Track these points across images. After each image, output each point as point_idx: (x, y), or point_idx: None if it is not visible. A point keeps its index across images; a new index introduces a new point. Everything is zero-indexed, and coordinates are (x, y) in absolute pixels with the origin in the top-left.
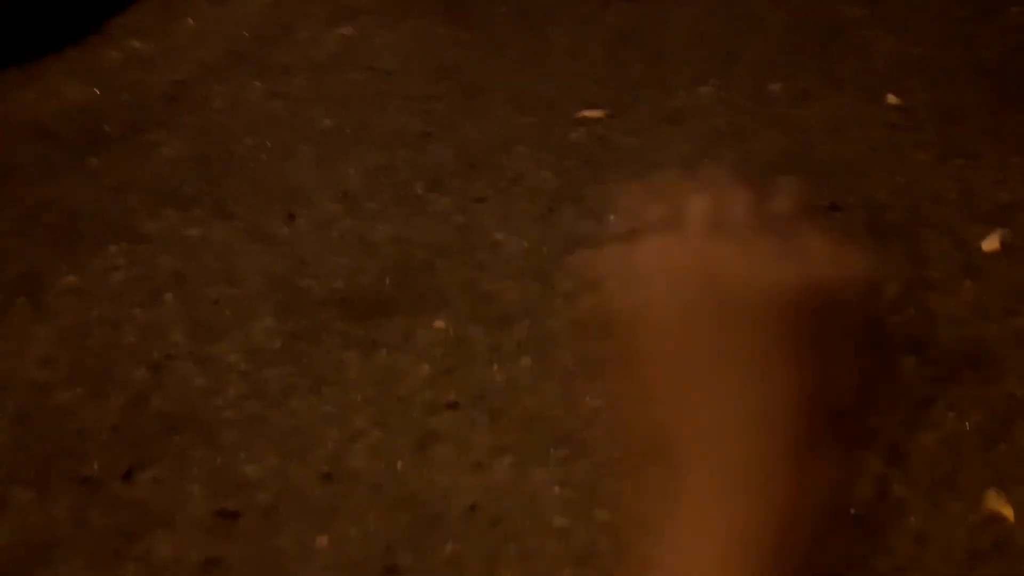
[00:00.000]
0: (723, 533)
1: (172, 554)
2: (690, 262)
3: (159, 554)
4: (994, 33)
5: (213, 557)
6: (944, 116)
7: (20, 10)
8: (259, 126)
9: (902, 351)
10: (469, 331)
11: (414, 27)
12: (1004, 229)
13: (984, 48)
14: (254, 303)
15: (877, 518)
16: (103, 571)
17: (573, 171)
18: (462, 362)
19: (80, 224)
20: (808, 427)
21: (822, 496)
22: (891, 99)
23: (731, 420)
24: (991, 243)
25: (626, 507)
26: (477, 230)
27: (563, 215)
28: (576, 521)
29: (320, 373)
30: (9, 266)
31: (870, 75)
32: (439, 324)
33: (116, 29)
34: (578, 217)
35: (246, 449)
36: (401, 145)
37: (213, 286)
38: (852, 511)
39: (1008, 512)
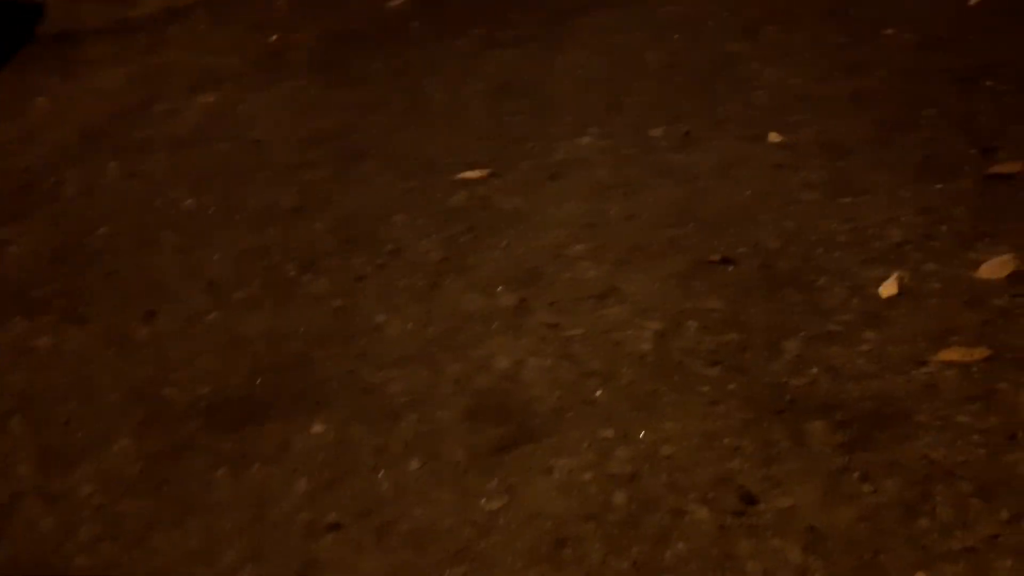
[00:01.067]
0: None
1: None
2: None
3: None
4: (873, 58)
5: None
6: (829, 151)
7: None
8: (116, 212)
9: (809, 416)
10: (351, 433)
11: (284, 90)
12: (900, 270)
13: (864, 75)
14: (110, 421)
15: None
16: None
17: (457, 239)
18: (344, 471)
19: None
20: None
21: None
22: (774, 137)
23: None
24: (889, 287)
25: None
26: (357, 313)
27: (449, 289)
28: None
29: (185, 500)
30: None
31: (753, 112)
32: (317, 428)
33: None
34: (464, 290)
35: None
36: (272, 222)
37: (64, 404)
38: None
39: None
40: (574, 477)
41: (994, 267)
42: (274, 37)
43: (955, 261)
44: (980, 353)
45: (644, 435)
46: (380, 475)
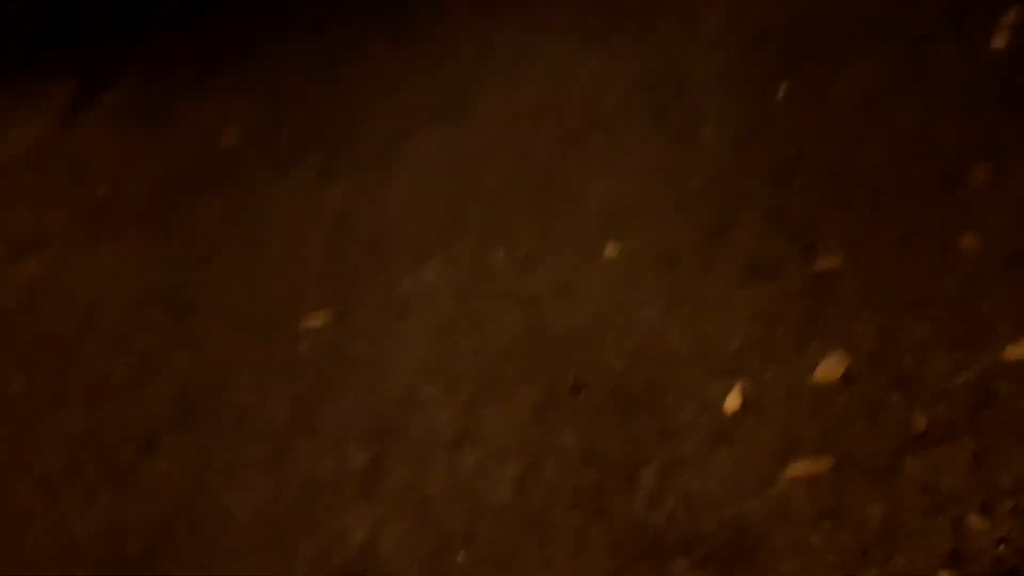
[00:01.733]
0: None
1: None
2: None
3: None
4: (693, 160)
5: None
6: (662, 261)
7: None
8: None
9: (672, 555)
10: None
11: (114, 248)
12: (742, 380)
13: (687, 179)
14: None
15: None
16: None
17: (304, 396)
18: None
19: None
20: None
21: None
22: (610, 251)
23: None
24: (733, 401)
25: None
26: (203, 496)
27: (298, 455)
28: None
29: None
30: None
31: (587, 225)
32: None
33: None
34: (314, 454)
35: None
36: (106, 398)
37: None
38: None
39: None
40: None
41: (828, 368)
42: (102, 189)
43: (792, 366)
44: (826, 463)
45: None
46: None
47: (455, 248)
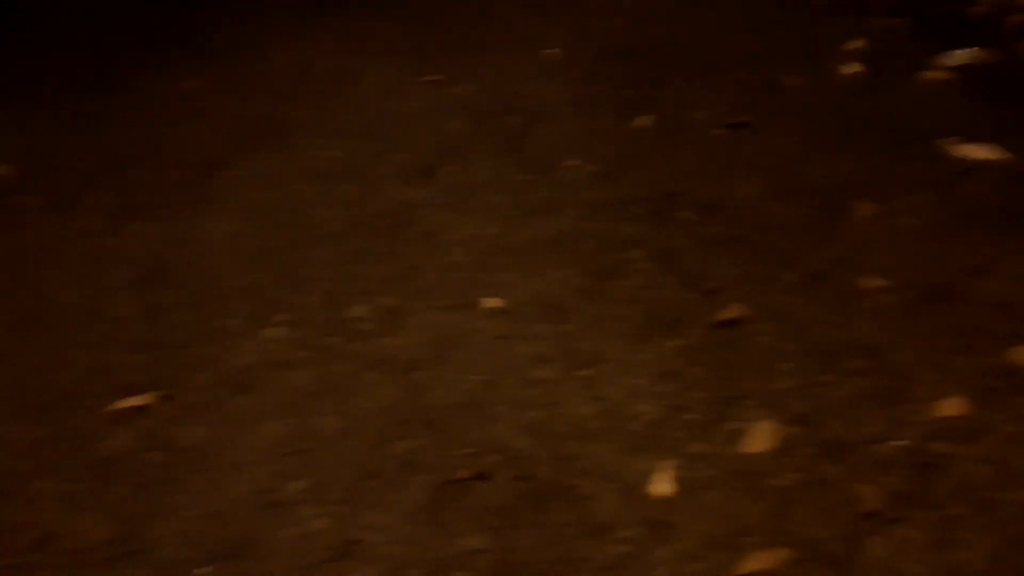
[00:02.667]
0: None
1: None
2: None
3: None
4: (560, 194)
5: None
6: (547, 312)
7: None
8: None
9: None
10: None
11: None
12: (667, 459)
13: (556, 215)
14: None
15: None
16: None
17: (125, 505)
18: None
19: None
20: None
21: None
22: (489, 303)
23: None
24: (662, 484)
25: None
26: None
27: None
28: None
29: None
30: None
31: (455, 273)
32: None
33: None
34: None
35: None
36: None
37: None
38: None
39: None
40: None
41: (757, 438)
42: None
43: (718, 437)
44: (783, 555)
45: None
46: None
47: (303, 303)
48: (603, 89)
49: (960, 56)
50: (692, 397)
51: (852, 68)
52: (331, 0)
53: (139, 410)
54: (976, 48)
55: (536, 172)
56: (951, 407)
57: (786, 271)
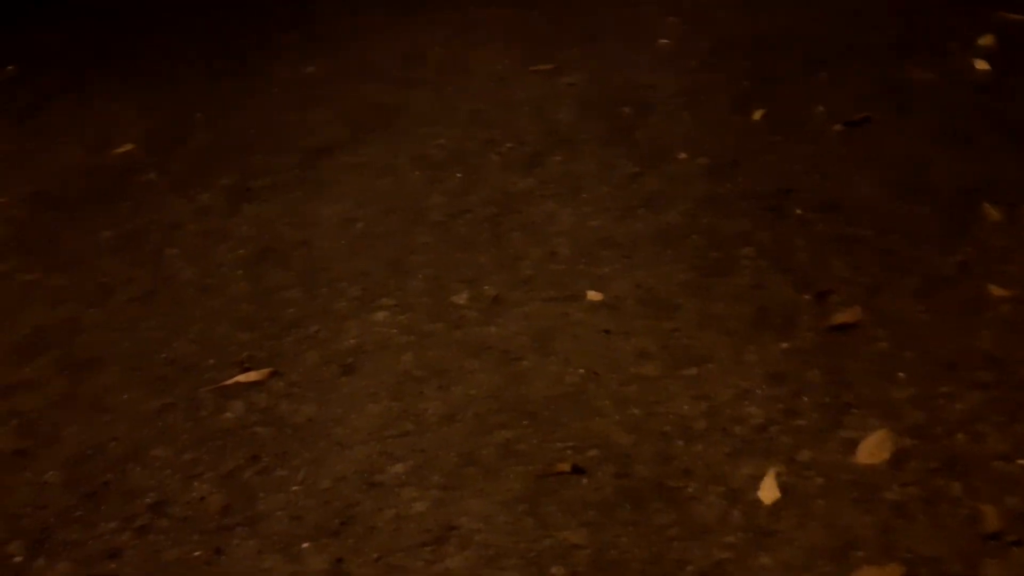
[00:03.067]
0: None
1: None
2: None
3: None
4: (669, 188)
5: None
6: (652, 308)
7: None
8: None
9: None
10: None
11: None
12: (775, 464)
13: (665, 209)
14: None
15: None
16: None
17: (239, 475)
18: None
19: None
20: None
21: None
22: (592, 295)
23: None
24: (769, 490)
25: None
26: None
27: (238, 555)
28: None
29: None
30: None
31: (559, 264)
32: None
33: None
34: (259, 553)
35: None
36: None
37: None
38: None
39: None
40: None
41: (872, 448)
42: None
43: (829, 445)
44: (894, 571)
45: None
46: None
47: (408, 287)
48: (718, 80)
49: None
50: (802, 402)
51: (981, 65)
52: None
53: (251, 385)
54: None
55: (645, 164)
56: None
57: (905, 275)
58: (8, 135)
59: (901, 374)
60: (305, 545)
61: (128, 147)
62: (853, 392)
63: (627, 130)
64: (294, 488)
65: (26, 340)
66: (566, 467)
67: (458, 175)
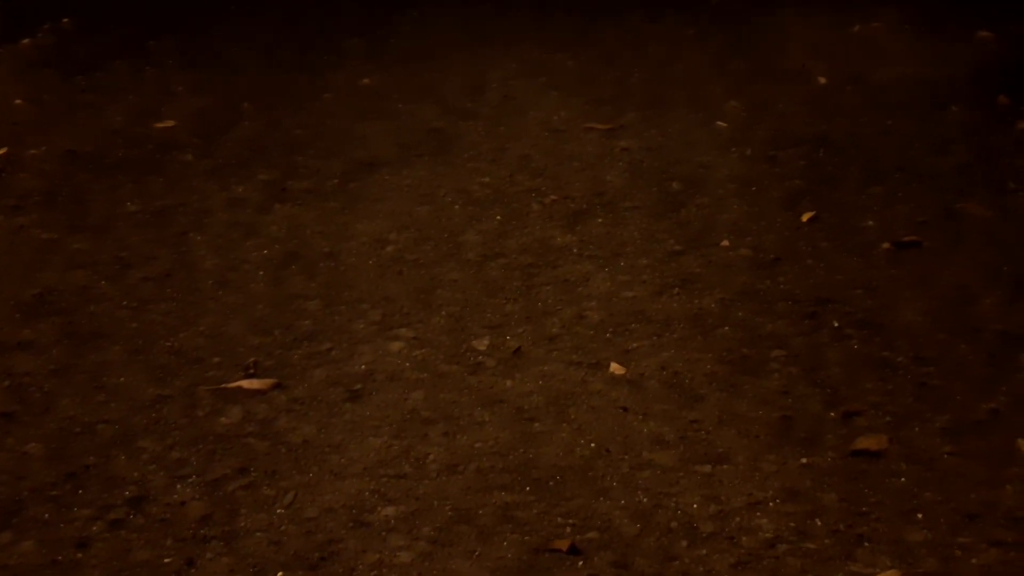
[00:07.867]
0: None
1: None
2: None
3: None
4: (709, 273)
5: None
6: (676, 393)
7: None
8: None
9: None
10: None
11: (4, 227)
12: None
13: (702, 293)
14: None
15: None
16: None
17: (225, 485)
18: None
19: None
20: None
21: None
22: (616, 369)
23: None
24: None
25: None
26: None
27: (209, 567)
28: None
29: None
30: None
31: (586, 329)
32: None
33: None
34: (230, 571)
35: None
36: None
37: None
38: None
39: None
40: None
41: None
42: (2, 150)
43: None
44: None
45: None
46: None
47: (430, 322)
48: (771, 173)
49: None
50: (815, 525)
51: None
52: (511, 23)
53: (253, 393)
54: None
55: (687, 243)
56: None
57: (937, 412)
58: (53, 86)
59: (920, 515)
60: (280, 574)
61: (170, 123)
62: (868, 525)
63: (674, 206)
64: (279, 511)
65: (33, 300)
66: (563, 545)
67: (498, 217)
